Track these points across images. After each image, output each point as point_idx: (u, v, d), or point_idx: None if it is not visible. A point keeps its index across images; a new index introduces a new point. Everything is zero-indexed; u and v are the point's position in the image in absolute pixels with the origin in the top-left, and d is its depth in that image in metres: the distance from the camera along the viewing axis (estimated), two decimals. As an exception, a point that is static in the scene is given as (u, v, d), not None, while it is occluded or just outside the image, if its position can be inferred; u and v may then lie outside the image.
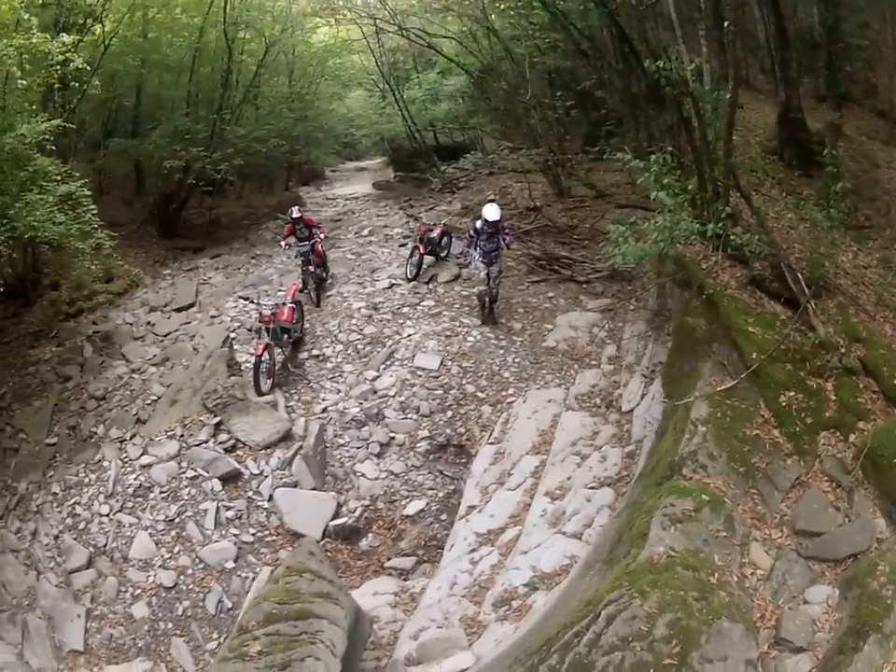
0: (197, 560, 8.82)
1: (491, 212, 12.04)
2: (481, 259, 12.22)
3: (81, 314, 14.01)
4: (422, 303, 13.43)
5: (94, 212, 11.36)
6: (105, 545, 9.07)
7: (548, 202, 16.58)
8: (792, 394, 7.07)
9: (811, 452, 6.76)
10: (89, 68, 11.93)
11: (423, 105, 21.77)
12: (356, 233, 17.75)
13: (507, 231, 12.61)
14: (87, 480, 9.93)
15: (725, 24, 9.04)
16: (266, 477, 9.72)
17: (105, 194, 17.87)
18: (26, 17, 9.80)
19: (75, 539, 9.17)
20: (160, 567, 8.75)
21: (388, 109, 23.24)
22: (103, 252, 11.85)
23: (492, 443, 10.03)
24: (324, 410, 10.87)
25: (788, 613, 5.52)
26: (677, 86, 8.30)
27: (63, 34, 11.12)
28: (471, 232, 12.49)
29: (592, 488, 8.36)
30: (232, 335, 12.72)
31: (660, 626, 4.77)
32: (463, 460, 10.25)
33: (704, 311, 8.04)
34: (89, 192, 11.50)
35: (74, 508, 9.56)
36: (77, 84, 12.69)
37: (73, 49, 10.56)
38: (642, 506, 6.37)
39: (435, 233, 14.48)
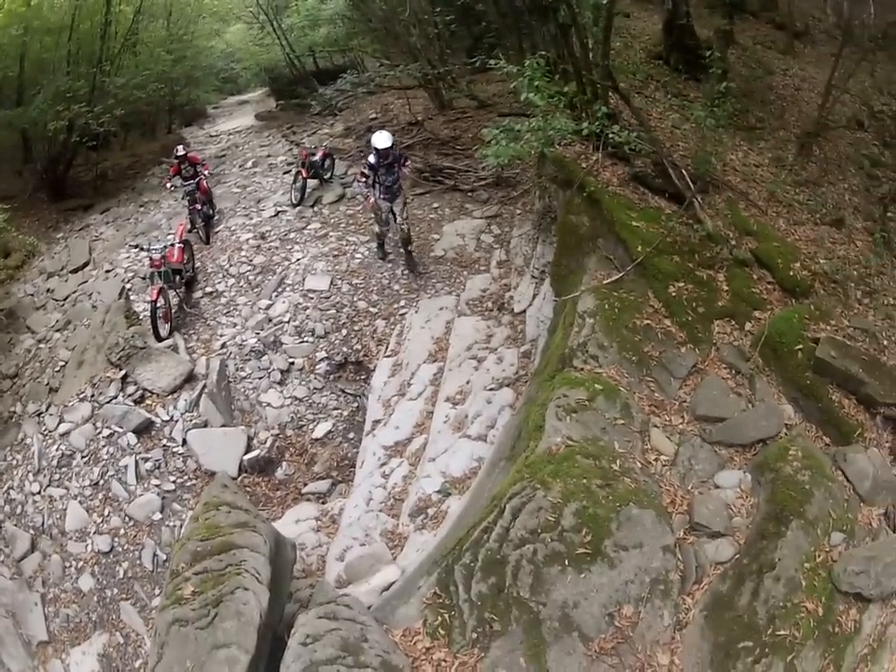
0: (126, 518, 8.83)
1: (381, 139, 10.85)
2: (382, 196, 11.14)
3: None
4: (308, 227, 13.38)
5: None
6: (42, 524, 9.05)
7: (430, 115, 16.40)
8: (682, 285, 7.11)
9: (706, 340, 6.79)
10: None
11: (302, 32, 20.98)
12: (240, 166, 17.42)
13: (403, 158, 11.48)
14: (14, 462, 9.86)
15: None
16: (177, 422, 9.70)
17: None
18: None
19: (15, 524, 9.14)
20: (94, 533, 8.76)
21: (267, 40, 22.53)
22: None
23: (389, 356, 10.17)
24: (223, 345, 10.86)
25: (699, 498, 5.51)
26: (554, -6, 8.16)
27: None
28: (365, 170, 11.14)
29: (491, 390, 8.55)
30: (128, 286, 12.57)
31: (567, 516, 4.79)
32: (363, 376, 10.41)
33: (586, 208, 7.99)
34: None
35: (8, 493, 9.51)
36: None
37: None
38: (537, 400, 6.41)
39: (317, 156, 14.38)
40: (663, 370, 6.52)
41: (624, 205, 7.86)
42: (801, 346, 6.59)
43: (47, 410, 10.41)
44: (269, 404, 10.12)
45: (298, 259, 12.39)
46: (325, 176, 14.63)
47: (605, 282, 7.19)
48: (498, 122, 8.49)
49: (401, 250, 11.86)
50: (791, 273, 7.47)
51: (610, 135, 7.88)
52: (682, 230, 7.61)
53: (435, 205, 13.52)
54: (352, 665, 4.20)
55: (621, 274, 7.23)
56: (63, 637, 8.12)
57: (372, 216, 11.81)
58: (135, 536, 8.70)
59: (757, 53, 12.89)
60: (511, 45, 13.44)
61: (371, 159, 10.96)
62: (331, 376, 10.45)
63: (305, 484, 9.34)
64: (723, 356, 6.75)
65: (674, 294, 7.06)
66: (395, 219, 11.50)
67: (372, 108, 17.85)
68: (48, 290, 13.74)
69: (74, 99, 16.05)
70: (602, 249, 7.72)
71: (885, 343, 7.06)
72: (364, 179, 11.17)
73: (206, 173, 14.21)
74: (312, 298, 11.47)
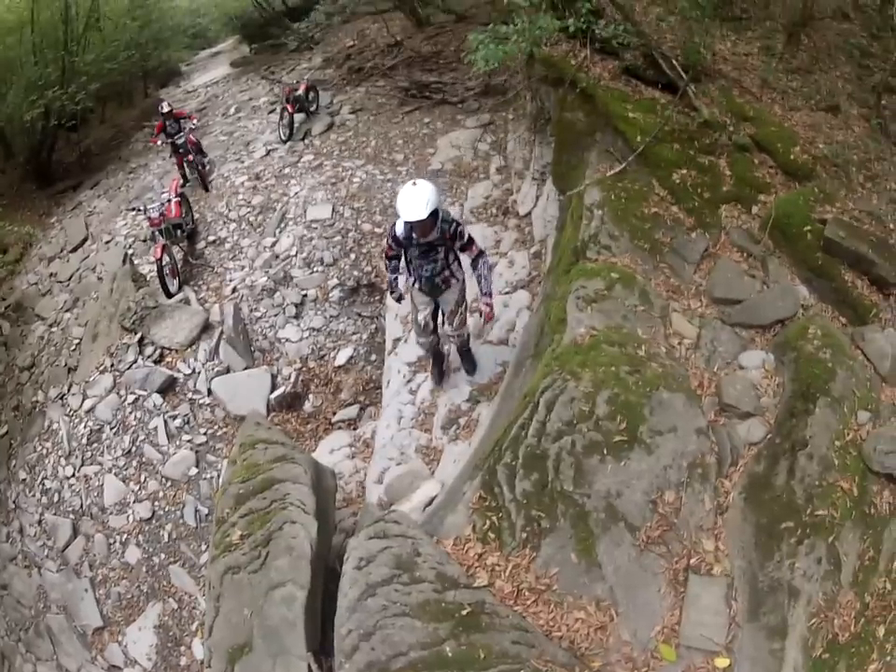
0: (164, 480, 8.79)
1: (410, 205, 5.75)
2: (418, 287, 6.77)
3: None
4: (302, 160, 13.22)
5: None
6: (81, 506, 8.97)
7: (409, 35, 16.09)
8: (685, 171, 6.98)
9: (715, 224, 6.69)
10: None
11: (265, -29, 20.84)
12: (223, 115, 17.21)
13: (459, 234, 6.23)
14: (44, 450, 9.78)
15: None
16: (199, 373, 9.62)
17: None
18: None
19: (54, 514, 9.05)
20: (134, 502, 8.71)
21: (233, -13, 22.27)
22: None
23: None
24: (234, 290, 10.75)
25: (726, 379, 5.46)
26: None
27: None
28: (389, 248, 6.59)
29: (506, 293, 8.46)
30: (130, 251, 12.35)
31: (600, 404, 4.71)
32: (377, 297, 10.30)
33: (580, 104, 7.84)
34: None
35: (43, 484, 9.44)
36: None
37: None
38: (555, 295, 6.35)
39: (300, 90, 14.22)
40: (676, 255, 6.42)
41: (619, 98, 7.67)
42: (809, 228, 6.45)
43: (69, 391, 10.30)
44: (288, 339, 10.00)
45: (296, 193, 12.19)
46: (310, 109, 14.48)
47: (608, 174, 7.06)
48: (482, 30, 8.27)
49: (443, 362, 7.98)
50: (792, 157, 7.28)
51: (597, 31, 7.66)
52: (679, 118, 7.43)
53: (426, 121, 13.30)
54: (408, 582, 4.10)
55: (623, 165, 7.07)
56: (117, 617, 8.13)
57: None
58: (175, 496, 8.69)
59: (736, -58, 12.37)
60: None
61: (399, 228, 6.29)
62: (346, 302, 10.30)
63: (334, 413, 9.27)
64: (734, 239, 6.65)
65: (678, 181, 6.93)
66: (435, 329, 7.28)
67: (349, 36, 17.59)
68: (50, 275, 13.61)
69: (45, 85, 15.96)
70: (601, 143, 7.56)
71: (891, 226, 6.83)
72: (387, 259, 6.83)
73: (194, 123, 14.08)
74: (316, 228, 11.29)
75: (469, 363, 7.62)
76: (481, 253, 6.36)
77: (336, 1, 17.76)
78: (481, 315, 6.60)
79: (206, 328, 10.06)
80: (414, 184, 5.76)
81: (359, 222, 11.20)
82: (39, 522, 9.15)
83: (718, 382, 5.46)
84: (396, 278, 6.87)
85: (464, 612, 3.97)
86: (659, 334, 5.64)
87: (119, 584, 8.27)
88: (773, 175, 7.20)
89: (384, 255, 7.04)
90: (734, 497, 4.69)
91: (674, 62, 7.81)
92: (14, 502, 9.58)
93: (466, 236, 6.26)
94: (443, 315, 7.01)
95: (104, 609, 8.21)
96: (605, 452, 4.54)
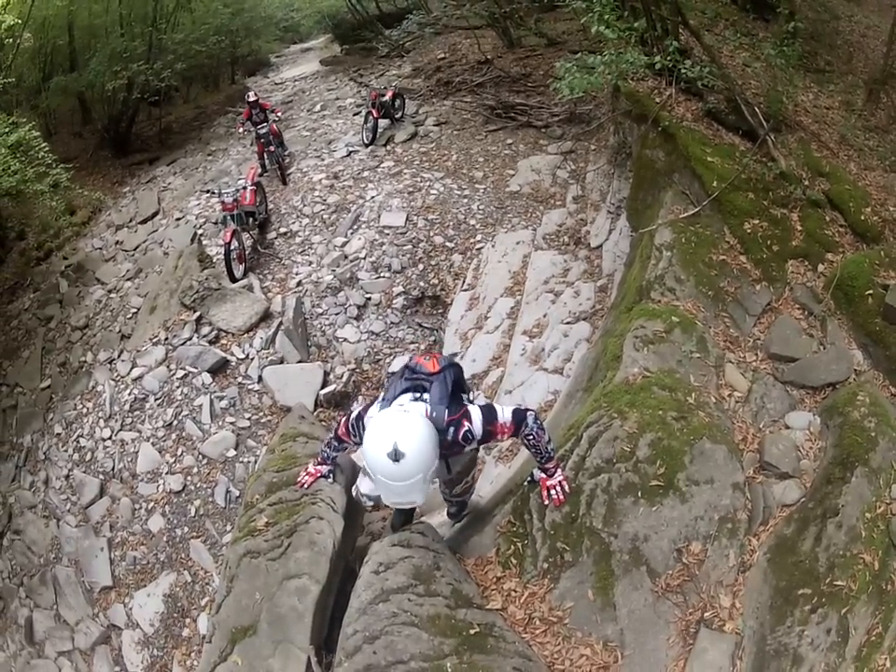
0: (200, 457, 8.82)
1: (397, 491, 3.57)
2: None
3: (51, 254, 14.04)
4: (382, 165, 13.26)
5: (46, 149, 11.20)
6: (112, 468, 9.04)
7: (499, 54, 16.10)
8: (757, 222, 6.90)
9: (780, 279, 6.60)
10: (20, 21, 11.59)
11: (363, -25, 21.07)
12: (308, 111, 17.39)
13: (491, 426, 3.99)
14: (85, 410, 9.91)
15: None
16: (252, 360, 9.66)
17: (53, 135, 17.69)
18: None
19: (84, 472, 9.14)
20: (167, 473, 8.75)
21: (327, -14, 22.57)
22: (61, 186, 11.71)
23: (466, 290, 10.04)
24: (298, 283, 10.81)
25: (770, 437, 5.36)
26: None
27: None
28: (345, 433, 4.38)
29: (568, 323, 8.40)
30: (199, 231, 12.57)
31: (642, 447, 4.63)
32: (439, 310, 10.27)
33: (661, 143, 7.81)
34: (37, 133, 11.31)
35: (78, 441, 9.56)
36: (10, 41, 12.47)
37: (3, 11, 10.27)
38: (615, 332, 6.25)
39: (387, 96, 14.28)
40: (738, 306, 6.33)
41: (699, 140, 7.62)
42: (871, 292, 6.29)
43: (119, 356, 10.44)
44: (345, 339, 10.02)
45: (372, 197, 12.25)
46: (396, 116, 14.55)
47: (681, 216, 7.01)
48: (570, 58, 8.28)
49: None
50: (863, 218, 7.17)
51: (683, 70, 7.60)
52: (756, 167, 7.37)
53: (509, 141, 13.30)
54: (422, 594, 4.05)
55: (697, 209, 7.02)
56: (128, 580, 8.14)
57: None
58: (209, 473, 8.69)
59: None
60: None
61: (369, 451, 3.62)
62: (408, 310, 10.32)
63: (381, 417, 9.18)
64: (797, 295, 6.54)
65: (749, 231, 6.85)
66: (445, 486, 5.10)
67: (440, 48, 17.65)
68: (116, 242, 13.87)
69: (131, 58, 16.31)
70: (678, 184, 7.50)
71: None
72: (335, 440, 4.73)
73: (279, 115, 14.37)
74: (388, 234, 11.32)
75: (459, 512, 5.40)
76: (522, 424, 4.02)
77: (430, 12, 17.98)
78: (548, 498, 4.48)
79: (266, 316, 10.11)
80: (396, 457, 3.41)
81: (432, 234, 11.20)
82: (67, 477, 9.26)
83: (762, 439, 5.37)
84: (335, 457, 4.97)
85: (472, 632, 3.94)
86: (711, 383, 5.57)
87: (136, 549, 8.30)
88: (842, 234, 7.11)
89: (334, 432, 4.60)
90: (758, 556, 4.59)
91: (756, 109, 7.78)
92: (45, 453, 9.75)
93: (502, 431, 3.99)
94: (441, 482, 4.85)
95: (116, 570, 8.24)
96: (639, 494, 4.48)
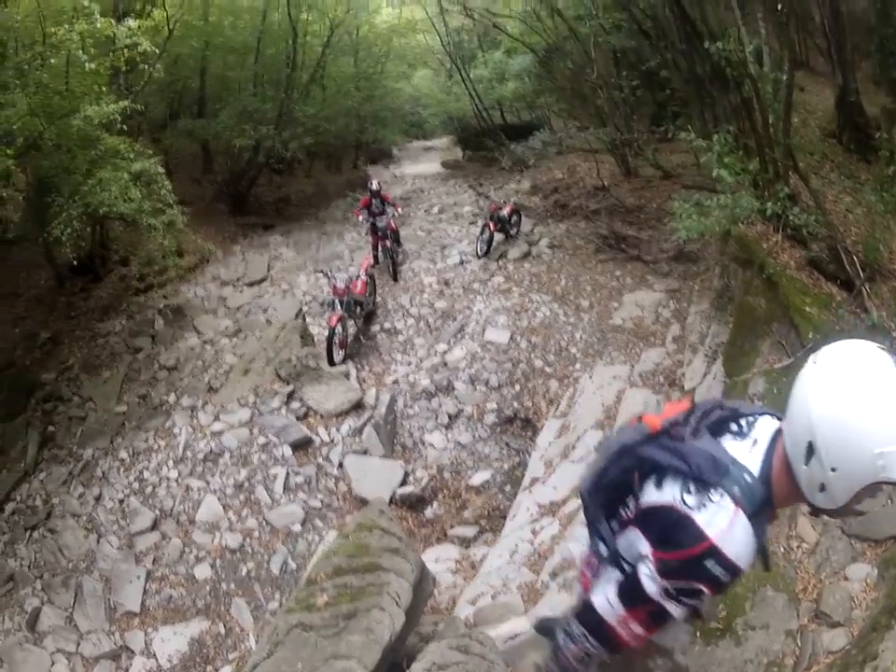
0: (264, 523, 8.87)
1: None
2: None
3: (151, 288, 14.19)
4: (492, 279, 13.49)
5: (169, 188, 11.33)
6: (171, 508, 9.09)
7: (615, 181, 16.39)
8: None
9: None
10: (156, 51, 11.82)
11: (489, 84, 21.65)
12: (425, 211, 17.82)
13: None
14: (156, 446, 10.04)
15: (779, 6, 9.06)
16: (336, 445, 9.82)
17: (172, 174, 17.79)
18: (86, 3, 9.72)
19: (141, 502, 9.18)
20: (226, 529, 8.80)
21: (455, 88, 23.25)
22: (175, 227, 11.83)
23: (557, 417, 10.02)
24: (395, 381, 11.00)
25: (828, 588, 5.39)
26: (737, 67, 8.26)
27: (128, 18, 11.14)
28: None
29: None
30: (305, 308, 12.95)
31: None
32: (529, 433, 10.30)
33: (764, 290, 7.92)
34: (162, 169, 11.48)
35: (141, 473, 9.63)
36: (143, 67, 12.71)
37: (137, 34, 10.56)
38: None
39: (505, 211, 14.51)
40: None
41: (800, 290, 7.69)
42: None
43: (202, 406, 10.63)
44: (431, 445, 10.14)
45: (479, 310, 12.49)
46: (511, 232, 14.78)
47: (776, 365, 7.08)
48: (684, 195, 8.38)
49: None
50: None
51: (791, 217, 7.78)
52: (850, 318, 7.42)
53: (617, 273, 13.46)
54: None
55: (791, 360, 7.06)
56: (157, 612, 8.01)
57: None
58: (269, 541, 8.72)
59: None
60: (695, 114, 13.31)
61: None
62: (498, 428, 10.39)
63: (452, 527, 9.22)
64: None
65: None
66: None
67: (559, 168, 18.05)
68: (220, 297, 14.21)
69: (261, 121, 16.93)
70: (776, 333, 7.59)
71: None
72: None
73: (399, 212, 14.47)
74: (490, 349, 11.51)
75: None
76: None
77: (553, 130, 18.48)
78: None
79: (357, 406, 10.30)
80: None
81: (532, 356, 11.33)
82: (121, 501, 9.27)
83: (821, 589, 5.38)
84: None
85: None
86: (782, 534, 5.68)
87: (175, 589, 8.22)
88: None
89: None
90: (797, 701, 4.61)
91: (854, 258, 7.79)
92: (104, 472, 9.75)
93: None
94: None
95: (147, 601, 8.15)
96: (697, 635, 4.48)
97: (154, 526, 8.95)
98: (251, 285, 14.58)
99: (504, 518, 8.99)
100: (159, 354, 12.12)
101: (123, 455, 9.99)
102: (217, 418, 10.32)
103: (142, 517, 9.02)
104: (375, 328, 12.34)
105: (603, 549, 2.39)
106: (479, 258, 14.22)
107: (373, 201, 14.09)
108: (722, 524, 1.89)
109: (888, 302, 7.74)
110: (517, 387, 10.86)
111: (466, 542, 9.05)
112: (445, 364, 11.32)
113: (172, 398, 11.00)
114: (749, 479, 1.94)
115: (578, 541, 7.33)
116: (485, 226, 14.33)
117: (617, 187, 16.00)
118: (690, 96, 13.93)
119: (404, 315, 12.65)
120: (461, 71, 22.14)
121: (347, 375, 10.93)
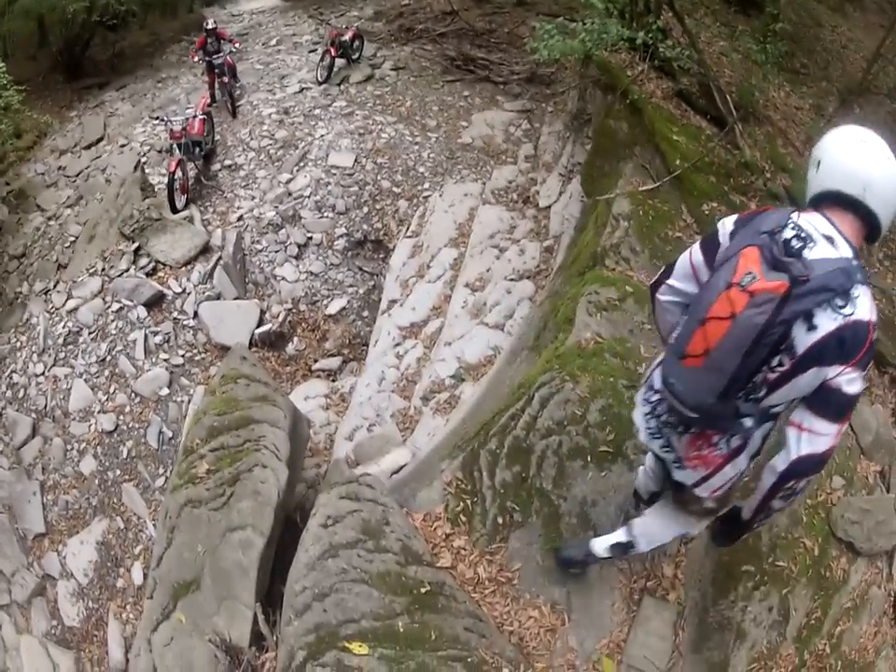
0: (133, 395, 8.68)
1: None
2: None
3: None
4: (334, 104, 12.98)
5: (3, 69, 10.97)
6: (45, 406, 8.89)
7: (466, 7, 15.69)
8: (715, 205, 6.95)
9: None
10: None
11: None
12: (263, 44, 16.91)
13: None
14: (18, 343, 9.68)
15: None
16: (189, 294, 9.51)
17: (9, 57, 16.60)
18: None
19: (17, 409, 8.97)
20: (99, 412, 8.62)
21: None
22: (12, 109, 11.41)
23: (409, 237, 9.95)
24: (240, 218, 10.62)
25: None
26: None
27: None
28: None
29: (511, 280, 8.40)
30: (143, 159, 12.24)
31: (593, 412, 4.62)
32: (381, 255, 10.22)
33: (627, 115, 7.82)
34: None
35: (11, 377, 9.33)
36: None
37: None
38: (566, 294, 6.28)
39: (347, 36, 13.91)
40: None
41: (666, 118, 7.68)
42: None
43: (55, 287, 10.18)
44: (284, 278, 9.93)
45: (322, 136, 12.01)
46: (353, 57, 14.19)
47: (641, 188, 7.03)
48: (542, 21, 8.22)
49: None
50: None
51: (661, 49, 7.74)
52: (721, 153, 7.49)
53: (465, 94, 13.13)
54: (372, 550, 3.96)
55: (657, 184, 7.07)
56: (60, 526, 8.05)
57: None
58: (141, 413, 8.56)
59: (808, 4, 12.29)
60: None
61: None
62: (349, 253, 10.24)
63: (316, 361, 9.21)
64: None
65: (707, 212, 6.89)
66: None
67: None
68: (59, 168, 13.46)
69: (94, -20, 15.51)
70: (639, 157, 7.53)
71: (902, 301, 6.92)
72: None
73: (236, 47, 13.80)
74: (334, 174, 11.15)
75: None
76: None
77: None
78: None
79: (205, 250, 9.93)
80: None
81: (379, 178, 11.07)
82: (0, 415, 9.02)
83: None
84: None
85: (423, 590, 3.87)
86: (659, 355, 5.60)
87: (68, 493, 8.18)
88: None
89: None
90: (701, 530, 4.68)
91: (727, 97, 7.85)
92: None
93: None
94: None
95: (49, 515, 8.14)
96: (588, 459, 4.47)
97: (34, 432, 8.78)
98: (88, 147, 13.71)
99: (366, 345, 9.04)
100: (7, 244, 11.58)
101: (-8, 363, 9.55)
102: (69, 296, 9.84)
103: (22, 426, 8.82)
104: (216, 166, 11.77)
105: (749, 421, 2.62)
106: (319, 84, 13.66)
107: (209, 40, 13.32)
108: (869, 303, 2.30)
109: (762, 145, 7.87)
110: (365, 210, 10.66)
111: (332, 375, 9.09)
112: (290, 194, 10.94)
113: (25, 287, 10.57)
114: (857, 262, 2.33)
115: (444, 362, 7.43)
116: (326, 52, 13.73)
117: (467, 12, 15.38)
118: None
119: (244, 149, 12.10)
120: None
121: (191, 220, 10.43)
